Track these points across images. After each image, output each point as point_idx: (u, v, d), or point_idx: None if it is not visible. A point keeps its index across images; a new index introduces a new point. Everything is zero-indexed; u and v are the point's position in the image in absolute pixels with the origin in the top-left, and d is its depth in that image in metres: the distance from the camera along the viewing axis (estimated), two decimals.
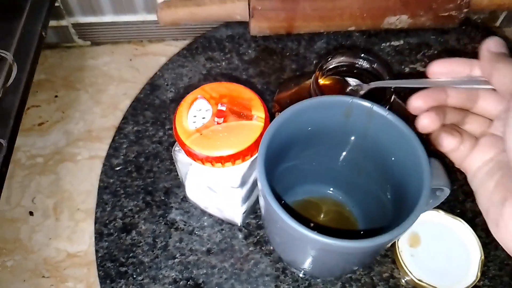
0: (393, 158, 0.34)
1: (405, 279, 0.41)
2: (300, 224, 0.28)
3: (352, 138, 0.36)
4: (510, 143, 0.25)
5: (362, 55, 0.43)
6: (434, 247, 0.42)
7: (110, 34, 0.67)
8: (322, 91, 0.41)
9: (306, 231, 0.27)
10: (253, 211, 0.44)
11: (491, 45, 0.29)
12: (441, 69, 0.30)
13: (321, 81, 0.42)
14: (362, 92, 0.40)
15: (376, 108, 0.33)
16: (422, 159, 0.31)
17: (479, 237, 0.41)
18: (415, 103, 0.29)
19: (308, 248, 0.31)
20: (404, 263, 0.40)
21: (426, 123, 0.28)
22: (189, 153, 0.33)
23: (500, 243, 0.27)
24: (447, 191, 0.34)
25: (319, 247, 0.30)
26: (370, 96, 0.43)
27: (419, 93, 0.29)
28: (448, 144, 0.29)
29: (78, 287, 0.48)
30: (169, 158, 0.49)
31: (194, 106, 0.35)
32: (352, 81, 0.42)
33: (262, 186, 0.29)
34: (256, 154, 0.33)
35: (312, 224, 0.41)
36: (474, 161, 0.30)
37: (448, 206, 0.45)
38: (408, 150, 0.32)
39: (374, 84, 0.39)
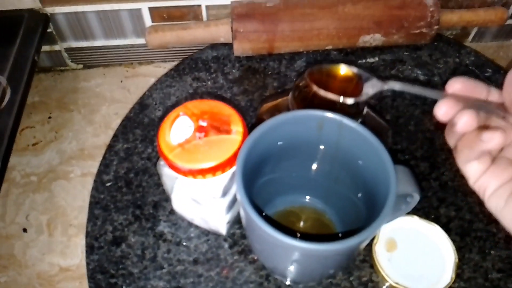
0: (363, 167, 0.35)
1: (385, 285, 0.42)
2: (276, 230, 0.29)
3: (325, 149, 0.38)
4: None
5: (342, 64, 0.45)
6: (410, 251, 0.43)
7: (102, 58, 0.69)
8: (299, 105, 0.43)
9: (283, 237, 0.29)
10: (237, 221, 0.45)
11: None
12: (462, 87, 0.29)
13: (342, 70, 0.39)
14: (373, 92, 0.35)
15: (346, 121, 0.35)
16: (388, 167, 0.32)
17: (453, 241, 0.43)
18: (442, 109, 0.27)
19: (286, 254, 0.33)
20: (381, 267, 0.41)
21: (467, 119, 0.26)
22: (172, 167, 0.35)
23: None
24: (416, 197, 0.35)
25: (296, 252, 0.31)
26: (344, 108, 0.45)
27: (445, 101, 0.27)
28: (493, 138, 0.26)
29: None
30: (157, 173, 0.50)
31: (176, 123, 0.36)
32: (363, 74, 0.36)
33: (241, 197, 0.31)
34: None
35: (291, 232, 0.42)
36: (492, 180, 0.29)
37: (423, 212, 0.47)
38: (376, 159, 0.33)
39: (391, 84, 0.32)
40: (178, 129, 0.36)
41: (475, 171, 0.30)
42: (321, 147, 0.38)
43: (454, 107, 0.27)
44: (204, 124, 0.36)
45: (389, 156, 0.33)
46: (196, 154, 0.34)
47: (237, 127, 0.36)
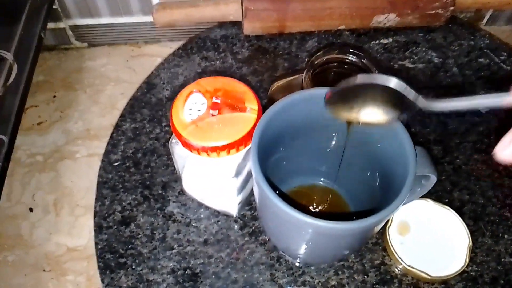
0: (379, 147, 0.35)
1: (398, 268, 0.42)
2: (293, 208, 0.29)
3: (341, 128, 0.37)
4: None
5: (351, 50, 0.44)
6: (423, 235, 0.43)
7: (107, 36, 0.68)
8: (314, 84, 0.42)
9: (299, 214, 0.28)
10: (248, 202, 0.45)
11: None
12: None
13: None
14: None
15: None
16: (408, 147, 0.32)
17: (467, 225, 0.42)
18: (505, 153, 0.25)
19: (301, 232, 0.32)
20: (394, 250, 0.41)
21: None
22: (186, 144, 0.34)
23: None
24: (433, 179, 0.35)
25: (311, 230, 0.31)
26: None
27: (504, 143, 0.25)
28: None
29: (78, 280, 0.48)
30: (166, 154, 0.50)
31: (189, 100, 0.36)
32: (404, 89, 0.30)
33: (256, 174, 0.30)
34: (250, 145, 0.34)
35: (306, 210, 0.42)
36: None
37: (436, 196, 0.46)
38: (395, 139, 0.33)
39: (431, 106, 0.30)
40: (191, 106, 0.35)
41: None
42: (337, 125, 0.37)
43: None
44: (218, 101, 0.35)
45: (409, 135, 0.32)
46: (210, 132, 0.34)
47: (252, 105, 0.35)
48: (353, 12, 0.57)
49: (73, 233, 0.51)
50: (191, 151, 0.35)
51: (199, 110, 0.35)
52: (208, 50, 0.59)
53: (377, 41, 0.60)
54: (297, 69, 0.57)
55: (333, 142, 0.39)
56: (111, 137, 0.51)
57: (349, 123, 0.34)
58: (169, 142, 0.38)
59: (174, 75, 0.57)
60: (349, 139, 0.38)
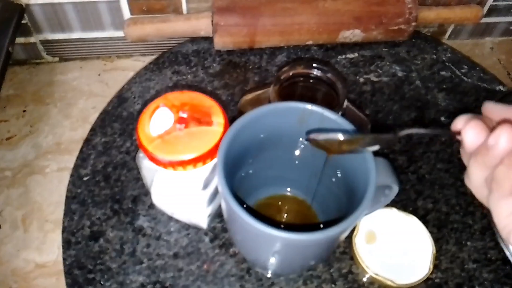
0: (343, 158, 0.36)
1: (365, 276, 0.42)
2: (258, 221, 0.29)
3: (306, 141, 0.38)
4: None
5: (315, 65, 0.45)
6: (390, 243, 0.43)
7: (79, 50, 0.67)
8: (280, 98, 0.43)
9: (264, 227, 0.29)
10: (218, 214, 0.45)
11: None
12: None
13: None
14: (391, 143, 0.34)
15: (327, 113, 0.35)
16: (368, 158, 0.33)
17: (431, 232, 0.43)
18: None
19: (268, 244, 0.32)
20: (361, 259, 0.42)
21: (471, 133, 0.26)
22: (152, 158, 0.34)
23: None
24: (396, 189, 0.36)
25: (278, 243, 0.31)
26: (325, 101, 0.45)
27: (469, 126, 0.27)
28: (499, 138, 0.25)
29: None
30: (137, 167, 0.49)
31: (156, 114, 0.36)
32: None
33: (222, 187, 0.30)
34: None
35: (273, 222, 0.42)
36: None
37: (401, 205, 0.47)
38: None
39: (404, 133, 0.31)
40: (158, 121, 0.35)
41: (508, 209, 0.26)
42: (302, 139, 0.38)
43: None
44: (184, 115, 0.35)
45: None
46: (176, 146, 0.34)
47: (218, 119, 0.35)
48: (320, 27, 0.58)
49: (42, 249, 0.50)
50: (158, 165, 0.34)
51: (165, 125, 0.35)
52: (180, 64, 0.59)
53: (343, 56, 0.61)
54: (266, 83, 0.58)
55: (300, 155, 0.40)
56: (81, 151, 0.51)
57: (329, 152, 0.35)
58: (136, 156, 0.38)
59: (145, 89, 0.57)
60: (316, 152, 0.38)
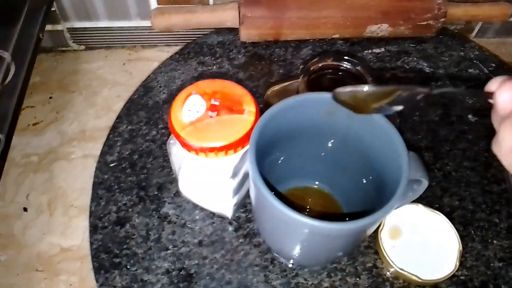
0: (373, 151, 0.35)
1: (389, 271, 0.42)
2: (289, 208, 0.29)
3: (336, 132, 0.38)
4: None
5: (346, 57, 0.45)
6: (415, 239, 0.43)
7: (104, 39, 0.68)
8: (309, 89, 0.43)
9: (295, 214, 0.28)
10: (243, 205, 0.45)
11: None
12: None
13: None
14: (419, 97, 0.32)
15: None
16: (401, 152, 0.32)
17: (456, 230, 0.43)
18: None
19: (296, 233, 0.32)
20: (386, 253, 0.41)
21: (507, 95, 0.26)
22: (184, 144, 0.34)
23: None
24: (425, 183, 0.35)
25: (307, 231, 0.31)
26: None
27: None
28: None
29: (71, 280, 0.48)
30: (162, 156, 0.49)
31: (188, 101, 0.36)
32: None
33: (253, 174, 0.30)
34: (247, 146, 0.34)
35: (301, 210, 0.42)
36: None
37: (427, 201, 0.47)
38: (388, 143, 0.33)
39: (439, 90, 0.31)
40: (190, 108, 0.35)
41: None
42: (332, 130, 0.37)
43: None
44: (216, 103, 0.35)
45: (402, 140, 0.33)
46: (208, 133, 0.34)
47: (250, 107, 0.35)
48: (347, 21, 0.58)
49: (66, 234, 0.51)
50: (189, 151, 0.35)
51: (197, 112, 0.35)
52: (205, 55, 0.60)
53: (369, 50, 0.60)
54: (291, 75, 0.58)
55: (329, 147, 0.40)
56: (108, 138, 0.51)
57: (355, 111, 0.33)
58: (167, 143, 0.38)
59: (171, 78, 0.57)
60: (345, 144, 0.38)
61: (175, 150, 0.37)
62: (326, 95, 0.35)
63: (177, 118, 0.35)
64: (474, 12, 0.63)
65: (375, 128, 0.34)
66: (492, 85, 0.28)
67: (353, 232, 0.32)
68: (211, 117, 0.35)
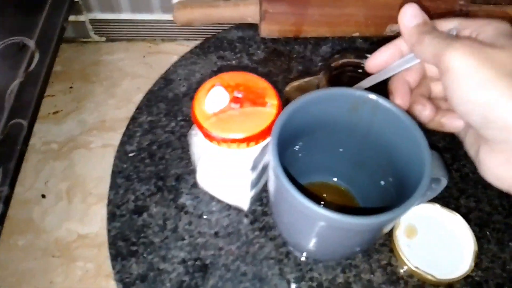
0: (395, 148, 0.35)
1: (404, 269, 0.42)
2: (311, 200, 0.29)
3: (358, 129, 0.37)
4: (453, 104, 0.28)
5: (367, 55, 0.44)
6: (430, 238, 0.43)
7: (126, 31, 0.69)
8: (329, 85, 0.43)
9: (315, 206, 0.29)
10: (259, 198, 0.45)
11: (407, 19, 0.32)
12: (377, 62, 0.33)
13: None
14: None
15: (382, 101, 0.35)
16: (424, 149, 0.32)
17: (473, 231, 0.43)
18: (399, 103, 0.32)
19: (314, 225, 0.32)
20: (401, 251, 0.41)
21: (428, 113, 0.32)
22: (207, 135, 0.35)
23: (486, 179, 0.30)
24: (444, 182, 0.35)
25: (326, 224, 0.31)
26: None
27: (394, 94, 0.32)
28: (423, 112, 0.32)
29: (87, 266, 0.48)
30: (181, 147, 0.50)
31: (211, 93, 0.36)
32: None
33: (275, 164, 0.31)
34: (268, 139, 0.34)
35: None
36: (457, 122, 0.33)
37: (443, 202, 0.46)
38: (411, 141, 0.33)
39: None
40: (213, 99, 0.35)
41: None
42: (354, 127, 0.37)
43: (404, 97, 0.33)
44: (239, 95, 0.36)
45: (425, 138, 0.32)
46: (231, 124, 0.34)
47: (272, 100, 0.36)
48: (368, 20, 0.57)
49: (84, 221, 0.51)
50: (211, 142, 0.35)
51: (220, 103, 0.35)
52: (225, 50, 0.60)
53: None
54: (310, 72, 0.58)
55: (350, 143, 0.39)
56: (127, 128, 0.52)
57: None
58: (188, 133, 0.38)
59: (191, 72, 0.57)
60: (367, 141, 0.38)
61: (196, 141, 0.37)
62: (352, 91, 0.35)
63: (200, 109, 0.35)
64: (496, 14, 0.62)
65: (398, 125, 0.34)
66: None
67: (371, 228, 0.32)
68: (233, 109, 0.35)
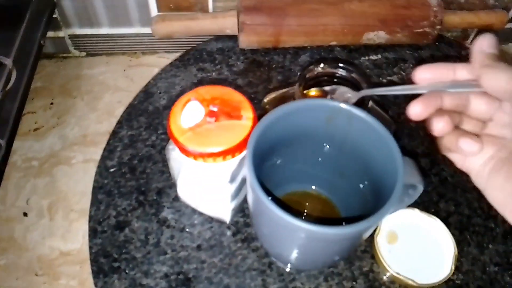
0: (370, 157, 0.36)
1: (386, 275, 0.42)
2: (286, 212, 0.29)
3: (335, 138, 0.38)
4: None
5: (341, 64, 0.45)
6: (411, 243, 0.43)
7: (106, 46, 0.69)
8: (305, 96, 0.43)
9: (292, 218, 0.29)
10: (241, 209, 0.45)
11: (484, 44, 0.29)
12: (426, 75, 0.30)
13: (313, 92, 0.44)
14: (353, 101, 0.41)
15: (356, 111, 0.35)
16: (397, 156, 0.33)
17: (452, 234, 0.43)
18: (415, 109, 0.29)
19: (293, 237, 0.33)
20: (382, 257, 0.42)
21: (441, 126, 0.28)
22: (183, 150, 0.35)
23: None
24: (420, 188, 0.36)
25: (304, 235, 0.31)
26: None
27: (417, 100, 0.29)
28: (470, 148, 0.29)
29: (71, 284, 0.48)
30: (162, 160, 0.50)
31: (187, 107, 0.36)
32: (344, 89, 0.43)
33: (251, 179, 0.31)
34: (245, 152, 0.35)
35: (298, 215, 0.43)
36: (476, 160, 0.31)
37: (423, 206, 0.47)
38: (385, 149, 0.34)
39: (364, 92, 0.39)
40: (189, 114, 0.35)
41: (458, 158, 0.32)
42: (329, 136, 0.38)
43: (427, 107, 0.29)
44: (214, 109, 0.36)
45: (398, 146, 0.33)
46: (207, 138, 0.34)
47: (247, 113, 0.36)
48: (345, 29, 0.58)
49: (66, 237, 0.51)
50: (188, 156, 0.35)
51: (196, 117, 0.35)
52: (205, 61, 0.60)
53: (367, 57, 0.61)
54: (290, 82, 0.58)
55: (327, 152, 0.40)
56: (108, 143, 0.52)
57: None
58: (166, 148, 0.38)
59: (171, 84, 0.58)
60: (343, 150, 0.38)
61: (174, 155, 0.37)
62: (327, 102, 0.35)
63: (176, 124, 0.35)
64: (470, 19, 0.63)
65: (372, 134, 0.34)
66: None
67: (348, 236, 0.32)
68: (209, 122, 0.35)
